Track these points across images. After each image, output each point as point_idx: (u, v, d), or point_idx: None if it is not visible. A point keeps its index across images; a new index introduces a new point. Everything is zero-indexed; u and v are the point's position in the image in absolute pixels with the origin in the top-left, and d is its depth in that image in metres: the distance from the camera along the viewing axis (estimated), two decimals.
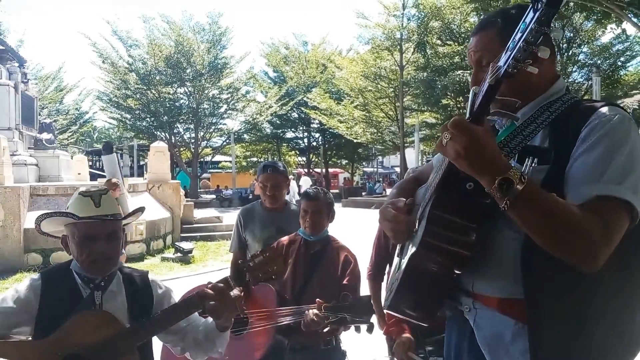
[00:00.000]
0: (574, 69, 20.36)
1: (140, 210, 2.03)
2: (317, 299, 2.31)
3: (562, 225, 1.13)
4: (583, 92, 20.25)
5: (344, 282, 2.55)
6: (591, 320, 1.22)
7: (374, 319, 2.35)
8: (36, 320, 1.73)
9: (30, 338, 1.74)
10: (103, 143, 11.81)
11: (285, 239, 2.72)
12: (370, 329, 2.34)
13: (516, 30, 1.05)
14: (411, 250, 1.34)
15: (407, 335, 2.39)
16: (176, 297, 1.99)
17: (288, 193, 3.23)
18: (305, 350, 2.53)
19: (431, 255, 1.30)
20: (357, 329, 2.36)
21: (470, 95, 1.20)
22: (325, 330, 2.30)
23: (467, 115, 1.18)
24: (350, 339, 2.66)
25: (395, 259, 1.59)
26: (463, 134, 1.11)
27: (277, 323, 2.32)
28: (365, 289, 2.71)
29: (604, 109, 1.26)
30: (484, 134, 1.12)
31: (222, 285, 1.80)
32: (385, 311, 1.58)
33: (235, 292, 2.33)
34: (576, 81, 20.79)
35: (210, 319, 1.87)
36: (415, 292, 1.40)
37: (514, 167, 1.13)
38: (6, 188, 9.18)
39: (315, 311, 2.26)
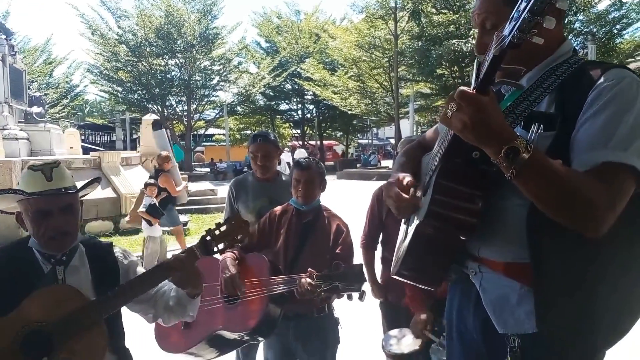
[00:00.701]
0: (569, 37, 20.13)
1: (97, 180, 1.96)
2: (309, 269, 2.33)
3: (567, 193, 1.13)
4: None
5: (337, 251, 2.57)
6: (595, 283, 1.24)
7: (365, 286, 2.36)
8: None
9: None
10: (153, 120, 12.18)
11: (277, 209, 2.72)
12: (361, 297, 2.36)
13: (520, 0, 1.03)
14: (418, 218, 1.35)
15: (424, 315, 2.44)
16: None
17: (279, 164, 3.20)
18: (298, 318, 2.56)
19: (437, 223, 1.31)
20: (349, 297, 2.38)
21: (475, 65, 1.18)
22: (318, 298, 2.34)
23: (472, 85, 1.16)
24: (342, 306, 2.69)
25: (402, 227, 1.60)
26: (470, 105, 1.10)
27: (270, 292, 2.33)
28: (358, 258, 2.72)
29: (612, 72, 1.24)
30: (490, 104, 1.11)
31: (185, 255, 1.79)
32: (393, 277, 1.57)
33: (232, 269, 2.37)
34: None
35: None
36: (422, 258, 1.42)
37: (520, 135, 1.13)
38: None
39: (309, 280, 2.29)
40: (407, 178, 1.45)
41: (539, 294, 1.26)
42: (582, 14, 20.14)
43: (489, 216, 1.30)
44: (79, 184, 1.88)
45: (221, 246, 1.83)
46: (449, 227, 1.32)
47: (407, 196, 1.40)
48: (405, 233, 1.51)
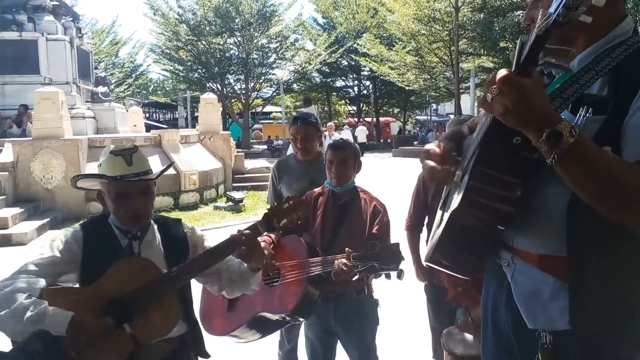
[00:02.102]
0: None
1: (170, 166, 2.14)
2: (346, 248, 2.33)
3: (615, 184, 1.06)
4: None
5: (374, 231, 2.55)
6: (636, 281, 1.19)
7: (403, 265, 2.33)
8: (81, 268, 1.83)
9: (77, 285, 1.85)
10: (303, 96, 13.25)
11: (314, 191, 2.72)
12: (400, 275, 2.33)
13: None
14: (454, 205, 1.31)
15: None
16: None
17: (321, 145, 3.19)
18: (338, 299, 2.57)
19: (473, 211, 1.27)
20: (387, 276, 2.37)
21: (518, 45, 1.10)
22: (354, 278, 2.34)
23: (514, 66, 1.09)
24: (382, 288, 2.68)
25: (439, 212, 1.56)
26: (512, 89, 1.03)
27: (307, 273, 2.34)
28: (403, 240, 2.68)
29: None
30: (532, 86, 1.04)
31: (249, 231, 1.90)
32: (425, 264, 1.55)
33: (267, 249, 2.39)
34: None
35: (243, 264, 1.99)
36: (457, 246, 1.38)
37: (564, 119, 1.05)
38: (66, 140, 9.63)
39: (344, 260, 2.29)
40: (446, 144, 1.44)
41: (575, 289, 1.20)
42: None
43: (526, 205, 1.24)
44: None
45: (283, 223, 1.95)
46: (484, 216, 1.27)
47: (440, 167, 1.39)
48: (441, 219, 1.47)
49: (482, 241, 1.36)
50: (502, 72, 1.05)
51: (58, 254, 1.82)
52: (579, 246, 1.19)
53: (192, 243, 2.00)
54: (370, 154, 25.04)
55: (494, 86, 1.05)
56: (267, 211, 1.97)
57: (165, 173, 2.06)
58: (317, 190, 2.71)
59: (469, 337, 2.37)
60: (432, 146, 1.47)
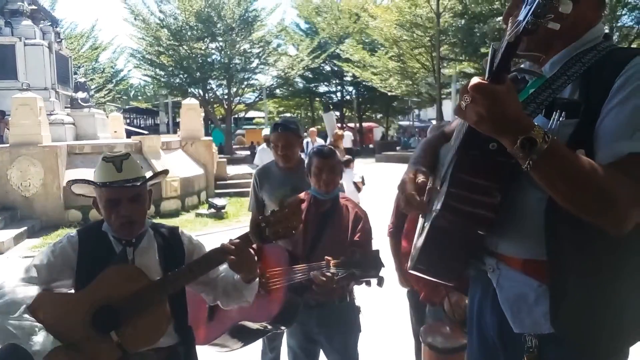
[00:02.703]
0: (623, 12, 19.03)
1: (164, 172, 2.11)
2: (326, 256, 2.32)
3: (588, 187, 1.08)
4: (633, 37, 19.01)
5: (356, 238, 2.55)
6: (615, 281, 1.19)
7: (383, 272, 2.33)
8: (76, 274, 1.86)
9: (73, 290, 1.88)
10: (324, 105, 13.89)
11: (292, 199, 2.66)
12: (380, 283, 2.34)
13: None
14: (434, 212, 1.32)
15: (455, 295, 2.27)
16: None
17: (302, 151, 3.19)
18: (320, 306, 2.56)
19: (454, 217, 1.28)
20: (368, 283, 2.36)
21: (490, 52, 1.11)
22: (334, 286, 2.34)
23: (487, 73, 1.10)
24: (365, 294, 2.69)
25: (420, 220, 1.57)
26: (484, 97, 1.05)
27: (289, 281, 2.33)
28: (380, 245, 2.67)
29: None
30: (505, 93, 1.05)
31: (240, 241, 1.88)
32: (409, 271, 1.55)
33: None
34: (626, 25, 19.51)
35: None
36: (439, 253, 1.39)
37: (538, 125, 1.08)
38: (44, 147, 9.48)
39: (323, 272, 2.29)
40: (420, 177, 1.42)
41: (555, 292, 1.21)
42: None
43: (508, 211, 1.26)
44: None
45: (275, 233, 1.89)
46: (465, 221, 1.28)
47: (418, 198, 1.37)
48: (422, 227, 1.48)
49: (464, 247, 1.36)
50: (475, 80, 1.07)
51: (53, 259, 1.85)
52: (558, 250, 1.20)
53: (189, 252, 1.99)
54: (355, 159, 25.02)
55: (467, 94, 1.07)
56: (259, 219, 1.93)
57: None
58: (301, 196, 2.67)
59: (446, 330, 2.36)
60: (409, 176, 1.46)
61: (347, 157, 8.83)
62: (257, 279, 1.98)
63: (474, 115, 1.08)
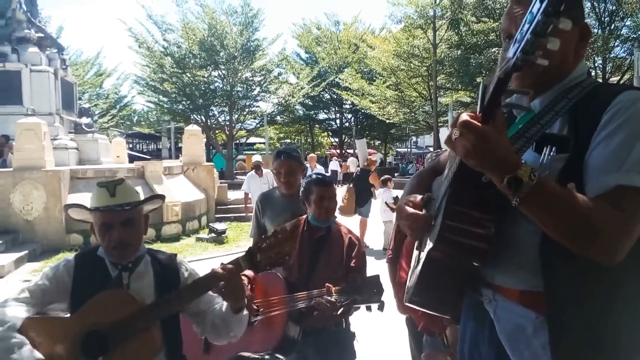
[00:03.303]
0: (616, 44, 19.42)
1: (160, 197, 2.10)
2: (327, 284, 2.33)
3: (576, 221, 1.10)
4: (625, 68, 19.35)
5: (351, 264, 2.57)
6: (612, 311, 1.19)
7: (383, 297, 2.36)
8: (71, 297, 1.85)
9: (68, 314, 1.87)
10: (357, 134, 14.03)
11: (288, 224, 2.71)
12: (381, 308, 2.36)
13: (523, 21, 1.00)
14: (429, 245, 1.32)
15: (454, 326, 2.30)
16: None
17: (304, 178, 3.29)
18: (317, 333, 2.55)
19: (449, 249, 1.28)
20: (369, 309, 2.38)
21: (481, 88, 1.16)
22: (338, 312, 2.33)
23: (479, 108, 1.14)
24: (363, 321, 2.66)
25: (415, 252, 1.58)
26: (472, 134, 1.08)
27: (290, 308, 2.32)
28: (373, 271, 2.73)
29: (626, 94, 1.21)
30: (492, 132, 1.09)
31: (231, 266, 1.84)
32: (406, 304, 1.56)
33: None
34: (618, 56, 19.85)
35: (225, 304, 1.94)
36: (435, 285, 1.40)
37: (524, 163, 1.10)
38: (47, 171, 9.51)
39: (327, 297, 2.28)
40: (418, 197, 1.45)
41: (554, 325, 1.21)
42: (629, 19, 19.38)
43: (503, 242, 1.27)
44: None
45: (267, 260, 1.84)
46: (460, 253, 1.29)
47: (420, 214, 1.39)
48: (418, 259, 1.48)
49: (459, 278, 1.37)
50: (464, 117, 1.10)
51: (47, 283, 1.86)
52: (554, 282, 1.20)
53: (184, 279, 1.98)
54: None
55: (457, 129, 1.10)
56: (252, 245, 1.90)
57: (148, 204, 2.04)
58: (289, 224, 2.68)
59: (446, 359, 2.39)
60: (405, 202, 1.47)
61: (386, 176, 9.33)
62: (245, 311, 1.94)
63: (462, 149, 1.11)
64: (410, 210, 1.42)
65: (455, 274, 1.36)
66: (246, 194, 10.08)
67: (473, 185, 1.24)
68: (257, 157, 10.26)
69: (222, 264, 1.87)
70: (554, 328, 1.20)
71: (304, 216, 2.71)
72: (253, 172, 9.44)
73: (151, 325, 1.77)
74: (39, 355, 1.68)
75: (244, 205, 10.80)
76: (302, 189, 2.72)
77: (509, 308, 1.30)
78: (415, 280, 1.42)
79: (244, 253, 1.88)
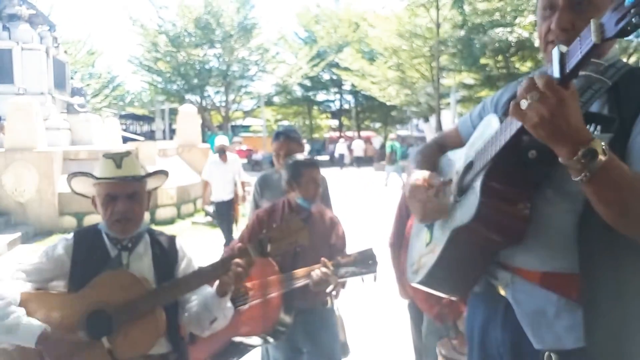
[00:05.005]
0: None
1: (164, 172, 2.07)
2: (322, 258, 2.38)
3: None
4: (632, 51, 19.06)
5: (332, 242, 2.65)
6: None
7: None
8: (69, 276, 1.87)
9: (66, 290, 1.88)
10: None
11: (263, 209, 2.75)
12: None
13: None
14: (455, 223, 1.30)
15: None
16: (201, 261, 2.02)
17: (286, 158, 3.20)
18: (304, 313, 2.57)
19: (483, 229, 1.25)
20: (362, 279, 2.46)
21: (556, 54, 1.04)
22: (332, 286, 2.40)
23: (558, 75, 1.03)
24: (365, 305, 2.85)
25: (423, 230, 1.53)
26: (554, 96, 1.01)
27: (287, 288, 2.34)
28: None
29: None
30: (571, 99, 1.03)
31: (239, 254, 1.85)
32: (415, 285, 1.52)
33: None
34: (625, 38, 19.60)
35: (209, 289, 1.91)
36: (455, 266, 1.38)
37: (596, 137, 1.05)
38: (40, 153, 9.39)
39: (324, 269, 2.33)
40: (435, 179, 1.40)
41: (589, 307, 1.18)
42: None
43: (531, 222, 1.24)
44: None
45: (277, 249, 1.87)
46: (495, 232, 1.26)
47: (436, 199, 1.37)
48: (430, 238, 1.46)
49: (482, 261, 1.34)
50: (545, 77, 1.02)
51: (46, 261, 1.88)
52: (591, 264, 1.18)
53: (182, 262, 2.00)
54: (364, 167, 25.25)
55: (534, 92, 1.02)
56: (263, 233, 1.91)
57: (152, 179, 2.01)
58: (266, 207, 2.72)
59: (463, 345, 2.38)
60: (419, 181, 1.41)
61: None
62: (229, 303, 1.94)
63: (536, 116, 1.03)
64: (428, 192, 1.39)
65: (478, 256, 1.33)
66: (206, 183, 7.62)
67: (515, 163, 1.22)
68: (221, 140, 7.92)
69: (230, 254, 1.88)
70: (590, 312, 1.18)
71: (281, 199, 2.71)
72: (217, 157, 7.58)
73: (157, 308, 1.79)
74: (38, 322, 1.71)
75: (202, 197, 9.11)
76: (287, 170, 2.69)
77: (528, 290, 1.28)
78: (433, 261, 1.39)
79: (251, 242, 1.89)
